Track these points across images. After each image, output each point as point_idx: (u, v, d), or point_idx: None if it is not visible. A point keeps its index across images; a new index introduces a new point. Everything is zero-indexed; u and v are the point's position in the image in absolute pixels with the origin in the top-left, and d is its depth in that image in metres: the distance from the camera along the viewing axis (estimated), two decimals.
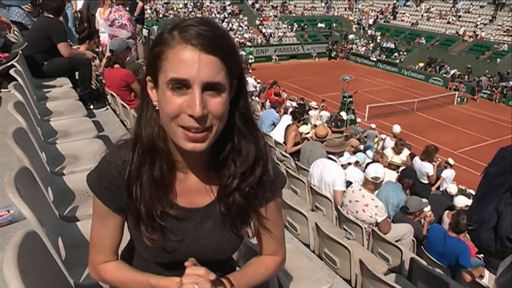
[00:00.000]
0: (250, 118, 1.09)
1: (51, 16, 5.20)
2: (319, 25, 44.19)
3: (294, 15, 44.83)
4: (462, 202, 6.79)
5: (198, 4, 41.02)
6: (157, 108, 1.01)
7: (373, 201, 4.42)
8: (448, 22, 39.61)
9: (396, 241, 4.36)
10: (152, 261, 1.18)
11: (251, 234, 1.19)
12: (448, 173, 9.68)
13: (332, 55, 41.49)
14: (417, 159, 8.18)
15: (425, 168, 7.96)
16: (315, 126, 9.82)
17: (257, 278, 1.24)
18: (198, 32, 0.92)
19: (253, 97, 15.24)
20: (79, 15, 9.25)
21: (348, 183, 5.33)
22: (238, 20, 41.21)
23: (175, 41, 0.92)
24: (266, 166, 1.13)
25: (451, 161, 10.45)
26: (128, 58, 6.25)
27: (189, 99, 0.92)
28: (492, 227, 1.60)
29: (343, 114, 17.94)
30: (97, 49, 7.73)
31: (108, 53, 6.66)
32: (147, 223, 1.07)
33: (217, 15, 40.24)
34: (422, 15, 42.27)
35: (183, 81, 0.91)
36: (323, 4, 47.53)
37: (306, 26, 43.56)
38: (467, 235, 1.86)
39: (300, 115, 8.39)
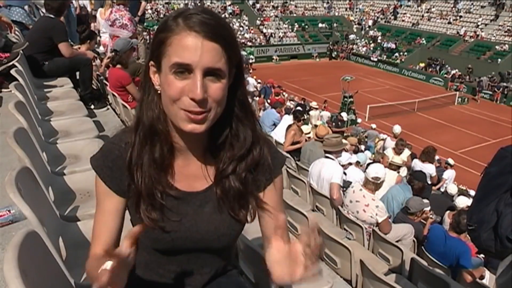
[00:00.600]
0: (247, 105, 1.13)
1: (52, 16, 5.20)
2: (320, 25, 44.24)
3: (294, 15, 44.87)
4: (463, 202, 6.79)
5: (199, 4, 41.07)
6: (159, 92, 1.05)
7: (373, 201, 4.42)
8: (449, 22, 39.62)
9: (397, 241, 4.36)
10: (152, 249, 1.18)
11: (250, 219, 1.19)
12: (449, 174, 9.68)
13: (333, 55, 41.54)
14: (416, 161, 8.19)
15: (427, 169, 7.96)
16: (316, 126, 9.83)
17: None
18: (201, 20, 0.96)
19: (254, 98, 15.24)
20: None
21: (349, 183, 5.33)
22: (239, 20, 41.25)
23: (180, 28, 0.96)
24: (262, 150, 1.16)
25: (451, 161, 10.45)
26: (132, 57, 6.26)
27: (190, 83, 0.96)
28: (491, 227, 1.60)
29: (344, 114, 17.91)
30: (98, 50, 7.74)
31: (109, 53, 6.67)
32: (147, 202, 1.10)
33: None
34: (423, 15, 42.28)
35: (185, 66, 0.95)
36: (324, 4, 47.55)
37: (306, 26, 43.60)
38: (467, 235, 1.86)
39: (300, 114, 8.37)
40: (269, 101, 15.19)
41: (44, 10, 5.70)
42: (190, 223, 1.15)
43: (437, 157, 11.55)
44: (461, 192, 9.75)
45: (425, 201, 5.80)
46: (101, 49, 7.97)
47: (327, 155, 5.33)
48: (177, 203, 1.14)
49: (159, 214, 1.11)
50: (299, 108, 12.46)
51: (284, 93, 18.60)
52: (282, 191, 1.27)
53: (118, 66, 5.52)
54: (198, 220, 1.15)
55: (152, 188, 1.09)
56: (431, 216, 5.67)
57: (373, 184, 4.50)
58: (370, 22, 45.28)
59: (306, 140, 7.67)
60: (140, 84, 1.16)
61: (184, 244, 1.15)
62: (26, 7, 6.49)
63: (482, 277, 4.36)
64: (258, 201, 1.18)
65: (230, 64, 1.01)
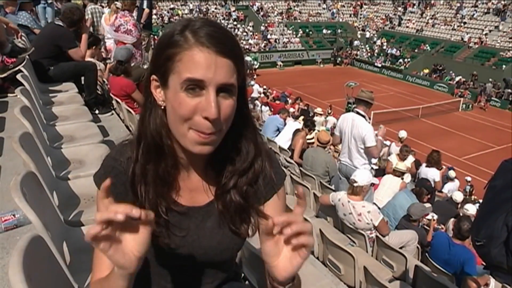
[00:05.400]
0: (249, 118, 1.11)
1: (62, 25, 5.25)
2: (324, 31, 44.26)
3: (299, 21, 44.94)
4: (472, 209, 6.77)
5: (203, 10, 41.26)
6: (162, 107, 1.02)
7: (363, 208, 4.34)
8: (453, 29, 39.56)
9: (401, 247, 4.34)
10: (155, 265, 1.17)
11: (251, 233, 1.17)
12: (450, 187, 9.61)
13: (337, 61, 41.52)
14: (423, 166, 8.22)
15: (431, 174, 7.94)
16: (318, 131, 9.83)
17: None
18: (212, 35, 0.93)
19: (256, 104, 15.30)
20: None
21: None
22: (243, 26, 41.41)
23: (190, 43, 0.93)
24: (264, 164, 1.14)
25: (452, 174, 10.31)
26: (133, 64, 6.29)
27: (203, 101, 0.93)
28: (502, 242, 1.55)
29: None
30: (104, 56, 7.78)
31: (113, 59, 6.71)
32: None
33: (223, 21, 40.46)
34: (427, 22, 42.26)
35: (198, 82, 0.92)
36: (328, 10, 47.67)
37: (311, 32, 43.65)
38: (476, 251, 1.79)
39: (312, 124, 8.37)
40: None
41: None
42: (193, 238, 1.14)
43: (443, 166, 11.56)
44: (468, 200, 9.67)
45: (427, 205, 5.80)
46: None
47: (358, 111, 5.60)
48: (180, 218, 1.12)
49: (164, 230, 1.09)
50: (314, 119, 12.46)
51: (301, 104, 19.01)
52: (284, 206, 1.24)
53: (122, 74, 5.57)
54: (201, 235, 1.14)
55: (156, 204, 1.07)
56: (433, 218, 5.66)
57: (359, 191, 4.41)
58: (375, 28, 45.28)
59: (308, 146, 7.67)
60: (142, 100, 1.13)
61: (187, 259, 1.14)
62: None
63: (487, 285, 4.33)
64: (260, 214, 1.15)
65: (239, 78, 0.99)
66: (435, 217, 5.86)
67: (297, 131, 7.78)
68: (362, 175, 4.47)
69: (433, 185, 7.86)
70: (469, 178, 13.46)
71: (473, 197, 11.62)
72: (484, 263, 4.81)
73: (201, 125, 0.94)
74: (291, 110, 15.45)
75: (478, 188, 13.58)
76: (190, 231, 1.13)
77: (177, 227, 1.12)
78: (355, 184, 4.40)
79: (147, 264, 1.21)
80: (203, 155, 1.01)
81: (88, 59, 5.94)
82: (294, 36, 42.36)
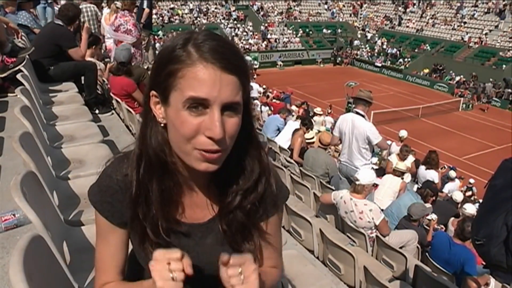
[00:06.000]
0: (254, 135, 1.07)
1: (61, 23, 5.25)
2: (324, 31, 44.29)
3: (299, 21, 44.95)
4: (471, 209, 6.77)
5: (203, 10, 41.26)
6: (162, 124, 0.98)
7: (366, 206, 4.38)
8: (453, 29, 39.57)
9: (401, 247, 4.35)
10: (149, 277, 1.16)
11: (252, 250, 1.15)
12: (450, 187, 9.63)
13: (337, 61, 41.54)
14: (422, 167, 8.23)
15: (431, 176, 7.96)
16: (319, 132, 9.82)
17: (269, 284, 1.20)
18: (216, 49, 0.89)
19: (257, 103, 15.30)
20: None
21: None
22: (243, 25, 41.40)
23: (193, 59, 0.88)
24: (269, 182, 1.11)
25: (452, 174, 10.33)
26: (133, 63, 6.29)
27: (207, 120, 0.88)
28: (502, 242, 1.55)
29: None
30: (104, 55, 7.78)
31: (113, 59, 6.70)
32: (153, 240, 1.05)
33: (223, 21, 40.47)
34: (427, 22, 42.26)
35: (202, 100, 0.87)
36: (328, 10, 47.67)
37: (311, 32, 43.67)
38: (475, 250, 1.80)
39: (310, 122, 8.42)
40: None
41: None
42: (192, 255, 1.08)
43: (445, 166, 11.57)
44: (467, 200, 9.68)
45: (428, 205, 5.80)
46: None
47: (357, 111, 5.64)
48: (182, 237, 1.10)
49: None
50: (314, 118, 12.50)
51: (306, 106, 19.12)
52: (281, 223, 1.24)
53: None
54: (201, 253, 1.12)
55: (158, 226, 1.04)
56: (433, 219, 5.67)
57: (362, 189, 4.43)
58: (375, 28, 45.28)
59: (307, 146, 7.68)
60: (140, 114, 1.08)
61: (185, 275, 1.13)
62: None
63: (487, 285, 4.34)
64: (261, 232, 1.14)
65: (244, 95, 0.94)
66: (435, 217, 5.87)
67: (295, 130, 7.80)
68: (365, 174, 4.49)
69: None
70: (472, 181, 13.46)
71: (473, 197, 11.61)
72: (483, 263, 4.83)
73: (205, 144, 0.90)
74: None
75: (479, 188, 13.60)
76: (190, 248, 1.10)
77: (178, 248, 1.10)
78: (357, 182, 4.42)
79: (142, 274, 1.19)
80: (208, 172, 0.98)
81: (88, 58, 5.94)
82: (294, 36, 42.36)
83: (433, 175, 8.06)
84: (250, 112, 1.04)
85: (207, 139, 0.89)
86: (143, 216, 1.03)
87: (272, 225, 1.18)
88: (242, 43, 37.41)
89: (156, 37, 13.66)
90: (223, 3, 43.18)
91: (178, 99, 0.89)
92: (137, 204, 1.03)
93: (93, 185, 1.11)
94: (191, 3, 41.83)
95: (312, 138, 8.18)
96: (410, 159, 8.53)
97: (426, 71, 35.84)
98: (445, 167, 11.42)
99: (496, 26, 36.80)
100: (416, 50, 38.98)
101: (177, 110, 0.90)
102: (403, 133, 11.38)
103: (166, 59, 0.92)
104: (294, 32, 42.72)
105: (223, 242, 1.12)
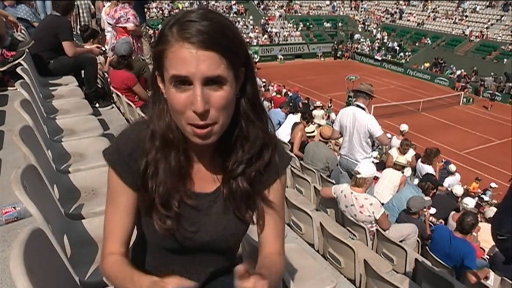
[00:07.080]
0: (258, 104, 1.10)
1: (59, 14, 5.23)
2: (325, 24, 44.16)
3: (299, 14, 44.82)
4: (471, 203, 6.75)
5: (204, 3, 41.09)
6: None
7: (366, 200, 4.37)
8: (455, 22, 39.43)
9: (401, 241, 4.35)
10: (158, 247, 1.18)
11: (255, 219, 1.18)
12: (450, 181, 9.62)
13: (338, 55, 41.44)
14: (419, 161, 8.25)
15: (425, 170, 7.96)
16: (319, 125, 9.81)
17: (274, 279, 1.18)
18: (197, 29, 0.92)
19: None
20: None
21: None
22: (243, 19, 41.27)
23: (174, 40, 0.93)
24: (274, 151, 1.14)
25: (452, 167, 10.31)
26: (133, 57, 6.26)
27: (191, 95, 0.93)
28: None
29: None
30: (103, 48, 7.75)
31: (110, 52, 6.68)
32: (162, 212, 1.08)
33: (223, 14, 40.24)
34: (428, 15, 42.10)
35: (184, 78, 0.93)
36: (328, 3, 47.48)
37: (311, 26, 43.54)
38: (496, 246, 1.80)
39: (309, 116, 8.41)
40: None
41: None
42: (199, 225, 1.14)
43: (443, 160, 11.53)
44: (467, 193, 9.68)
45: (427, 198, 5.80)
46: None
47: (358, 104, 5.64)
48: (191, 211, 1.12)
49: (175, 224, 1.09)
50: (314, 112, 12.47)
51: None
52: (285, 189, 1.26)
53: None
54: (207, 222, 1.14)
55: (167, 198, 1.07)
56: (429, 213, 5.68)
57: (363, 183, 4.43)
58: (375, 22, 45.13)
59: (308, 139, 7.67)
60: (150, 93, 1.13)
61: (192, 244, 1.14)
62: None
63: (486, 278, 4.35)
64: (264, 199, 1.17)
65: (233, 67, 0.97)
66: (431, 211, 5.88)
67: (295, 124, 7.79)
68: (366, 167, 4.49)
69: None
70: (493, 185, 13.15)
71: (494, 201, 11.45)
72: (483, 257, 4.84)
73: (193, 119, 0.95)
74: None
75: (484, 182, 13.56)
76: (196, 219, 1.14)
77: (187, 220, 1.12)
78: (358, 176, 4.41)
79: (149, 251, 1.22)
80: (208, 144, 1.02)
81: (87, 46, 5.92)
82: (295, 29, 42.22)
83: (429, 169, 8.06)
84: (254, 81, 1.08)
85: (193, 113, 0.94)
86: (152, 187, 1.07)
87: (276, 191, 1.20)
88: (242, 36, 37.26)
89: (156, 31, 13.57)
90: None
91: (167, 78, 0.96)
92: (147, 177, 1.07)
93: (109, 146, 1.14)
94: None
95: (313, 132, 8.17)
96: (411, 153, 8.53)
97: (427, 65, 35.74)
98: (442, 161, 11.44)
99: (497, 20, 36.66)
100: (417, 44, 38.88)
101: (168, 87, 0.96)
102: (404, 127, 11.37)
103: (157, 40, 0.98)
104: (295, 26, 42.59)
105: (228, 211, 1.15)
